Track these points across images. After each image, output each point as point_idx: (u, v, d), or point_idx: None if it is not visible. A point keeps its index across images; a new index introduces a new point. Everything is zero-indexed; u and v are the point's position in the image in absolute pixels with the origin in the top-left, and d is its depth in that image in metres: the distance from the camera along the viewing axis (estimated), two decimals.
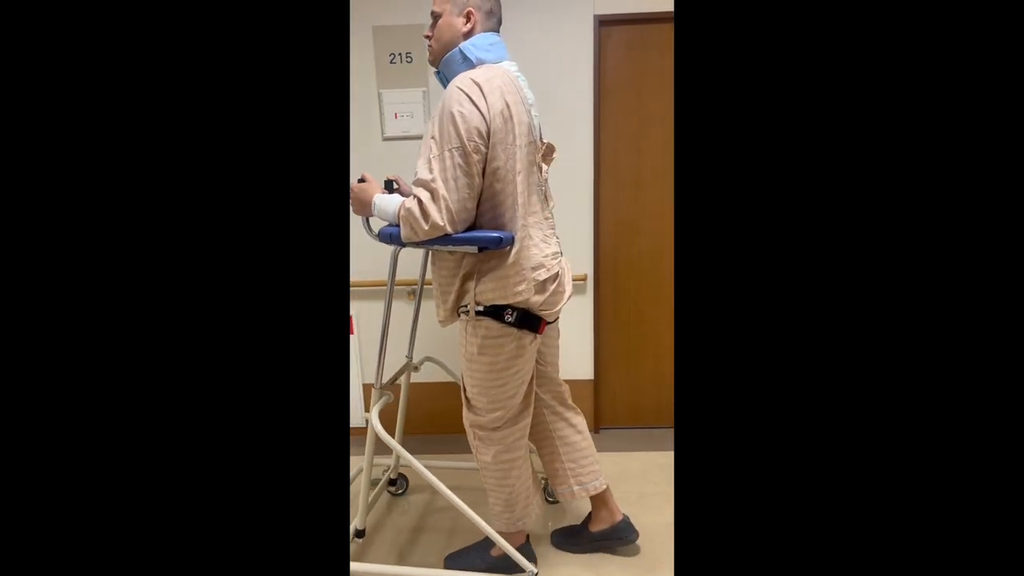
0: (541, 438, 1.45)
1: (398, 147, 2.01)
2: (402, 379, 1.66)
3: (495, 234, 1.11)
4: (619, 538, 1.46)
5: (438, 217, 1.08)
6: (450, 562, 1.43)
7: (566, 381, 2.07)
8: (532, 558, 1.41)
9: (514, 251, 1.14)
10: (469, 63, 1.18)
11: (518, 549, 1.37)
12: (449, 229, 1.10)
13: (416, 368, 1.67)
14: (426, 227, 1.09)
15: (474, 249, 1.15)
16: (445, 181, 1.09)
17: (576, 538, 1.50)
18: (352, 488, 1.65)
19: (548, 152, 1.31)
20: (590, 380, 2.16)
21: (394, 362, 2.07)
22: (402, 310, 2.12)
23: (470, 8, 1.19)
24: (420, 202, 1.09)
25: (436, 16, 1.22)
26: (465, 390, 1.31)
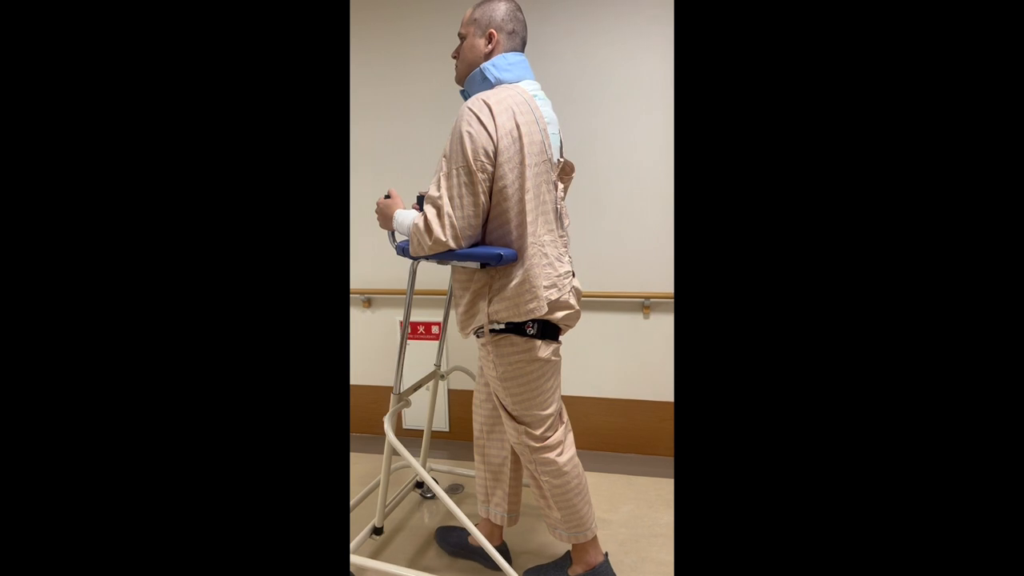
0: (506, 451, 1.46)
1: None
2: (430, 386, 1.71)
3: (496, 251, 1.12)
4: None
5: (441, 233, 1.12)
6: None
7: (644, 402, 2.05)
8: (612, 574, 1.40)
9: (522, 269, 1.15)
10: (488, 83, 1.21)
11: (599, 568, 1.37)
12: (452, 245, 1.13)
13: (443, 376, 1.72)
14: (430, 242, 1.13)
15: (476, 265, 1.17)
16: (451, 199, 1.12)
17: (457, 543, 1.55)
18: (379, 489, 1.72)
19: (566, 171, 1.30)
20: (670, 403, 2.09)
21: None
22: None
23: (492, 30, 1.22)
24: (426, 218, 1.14)
25: (462, 37, 1.27)
26: (505, 408, 1.32)
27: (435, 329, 2.23)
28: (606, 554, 1.40)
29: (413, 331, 2.24)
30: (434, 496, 1.90)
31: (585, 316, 2.11)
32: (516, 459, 1.44)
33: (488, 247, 1.16)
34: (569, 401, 2.16)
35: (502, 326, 1.20)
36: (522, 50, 1.27)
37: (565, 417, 1.37)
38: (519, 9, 1.27)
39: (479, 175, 1.11)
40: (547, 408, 1.29)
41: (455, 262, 1.19)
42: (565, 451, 1.31)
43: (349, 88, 0.60)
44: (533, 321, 1.20)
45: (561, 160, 1.28)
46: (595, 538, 1.38)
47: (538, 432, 1.29)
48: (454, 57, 1.30)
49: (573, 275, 1.30)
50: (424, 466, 1.87)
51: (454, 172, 1.12)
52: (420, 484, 1.89)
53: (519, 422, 1.30)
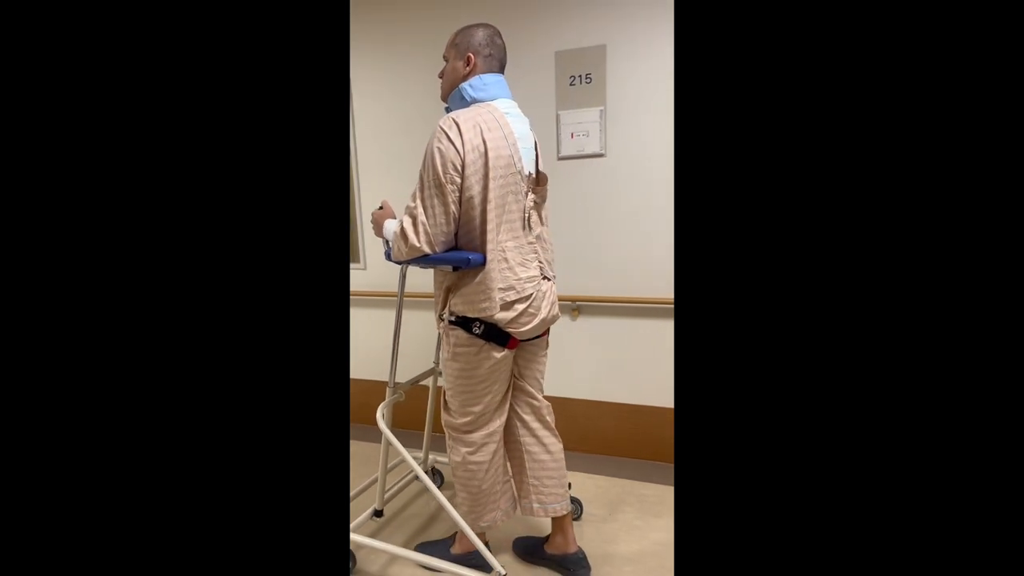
0: (511, 449, 1.54)
1: (572, 165, 2.12)
2: (428, 382, 1.84)
3: (465, 255, 1.25)
4: (567, 568, 1.51)
5: (415, 239, 1.25)
6: (418, 550, 1.58)
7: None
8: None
9: (482, 272, 1.27)
10: (466, 101, 1.33)
11: (475, 553, 1.48)
12: (427, 250, 1.26)
13: (440, 373, 1.84)
14: (406, 248, 1.27)
15: (449, 268, 1.29)
16: (424, 209, 1.25)
17: (532, 551, 1.58)
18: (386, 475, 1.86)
19: (540, 182, 1.40)
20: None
21: None
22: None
23: (470, 53, 1.35)
24: (403, 227, 1.27)
25: (446, 60, 1.40)
26: (444, 392, 1.46)
27: None
28: (487, 543, 1.51)
29: None
30: (440, 486, 2.03)
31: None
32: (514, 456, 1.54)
33: (459, 252, 1.28)
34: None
35: (454, 318, 1.33)
36: (500, 71, 1.39)
37: (496, 425, 1.44)
38: (497, 35, 1.39)
39: (448, 186, 1.23)
40: (473, 406, 1.40)
41: (430, 265, 1.32)
42: (477, 453, 1.42)
43: (349, 94, 0.63)
44: (481, 322, 1.31)
45: (532, 173, 1.38)
46: (481, 535, 1.49)
47: (458, 422, 1.42)
48: (440, 77, 1.44)
49: (547, 279, 1.40)
50: (427, 458, 2.00)
51: (427, 185, 1.25)
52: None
53: (447, 404, 1.45)
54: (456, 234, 1.30)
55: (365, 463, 2.22)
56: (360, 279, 2.55)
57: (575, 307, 2.17)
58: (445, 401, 1.46)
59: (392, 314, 2.48)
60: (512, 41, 2.11)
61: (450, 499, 1.91)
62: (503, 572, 1.34)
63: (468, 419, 1.41)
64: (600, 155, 2.07)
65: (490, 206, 1.25)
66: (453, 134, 1.23)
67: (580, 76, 2.05)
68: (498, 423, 1.45)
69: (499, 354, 1.34)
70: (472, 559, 1.49)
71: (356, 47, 2.39)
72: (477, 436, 1.42)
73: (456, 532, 1.56)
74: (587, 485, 2.00)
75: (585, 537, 1.68)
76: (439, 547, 1.58)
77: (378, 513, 1.68)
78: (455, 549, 1.54)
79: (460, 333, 1.33)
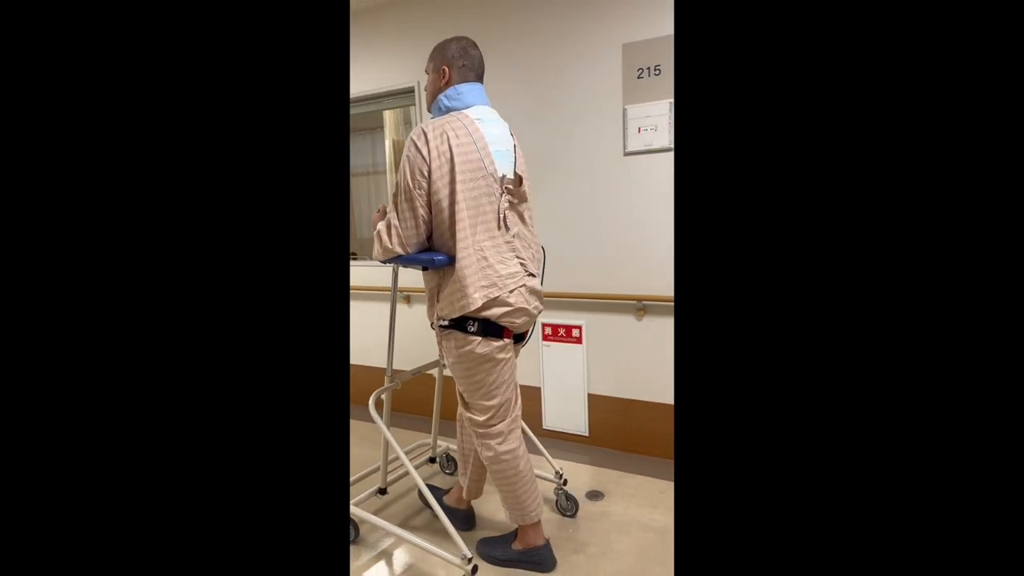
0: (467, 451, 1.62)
1: (640, 161, 2.07)
2: (435, 372, 1.96)
3: (431, 256, 1.35)
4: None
5: (388, 242, 1.36)
6: (479, 547, 1.63)
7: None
8: (552, 561, 1.56)
9: (455, 271, 1.35)
10: (442, 111, 1.42)
11: (536, 549, 1.54)
12: (399, 251, 1.36)
13: (444, 366, 1.95)
14: (381, 249, 1.38)
15: (420, 268, 1.39)
16: (397, 213, 1.36)
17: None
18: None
19: (514, 184, 1.46)
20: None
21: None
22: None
23: (444, 66, 1.43)
24: (380, 230, 1.39)
25: (427, 73, 1.49)
26: (458, 390, 1.53)
27: (575, 332, 2.27)
28: (547, 540, 1.55)
29: (554, 333, 2.33)
30: (453, 472, 2.14)
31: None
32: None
33: (427, 252, 1.38)
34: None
35: (446, 322, 1.41)
36: (477, 81, 1.46)
37: (516, 411, 1.51)
38: (473, 46, 1.45)
39: (415, 191, 1.33)
40: (490, 400, 1.46)
41: (404, 265, 1.42)
42: (506, 442, 1.48)
43: (348, 94, 0.66)
44: (474, 320, 1.38)
45: (507, 175, 1.43)
46: (538, 523, 1.54)
47: (481, 419, 1.48)
48: (425, 90, 1.53)
49: (531, 276, 1.45)
50: (435, 444, 2.12)
51: (400, 191, 1.36)
52: (432, 460, 2.14)
53: (467, 405, 1.51)
54: (431, 237, 1.39)
55: (378, 446, 2.36)
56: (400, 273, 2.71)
57: (640, 307, 2.10)
58: (464, 401, 1.52)
59: (411, 308, 2.63)
60: (577, 35, 2.09)
61: (447, 492, 2.03)
62: (468, 555, 1.43)
63: (489, 414, 1.47)
64: (669, 149, 1.99)
65: (459, 207, 1.32)
66: (420, 143, 1.32)
67: (648, 68, 1.99)
68: (518, 409, 1.52)
69: (499, 343, 1.41)
70: (534, 556, 1.55)
71: (415, 50, 2.49)
72: (503, 425, 1.48)
73: (517, 528, 1.58)
74: (651, 490, 1.95)
75: (647, 541, 1.65)
76: (499, 543, 1.61)
77: (382, 491, 1.83)
78: (516, 545, 1.59)
79: (457, 335, 1.40)
